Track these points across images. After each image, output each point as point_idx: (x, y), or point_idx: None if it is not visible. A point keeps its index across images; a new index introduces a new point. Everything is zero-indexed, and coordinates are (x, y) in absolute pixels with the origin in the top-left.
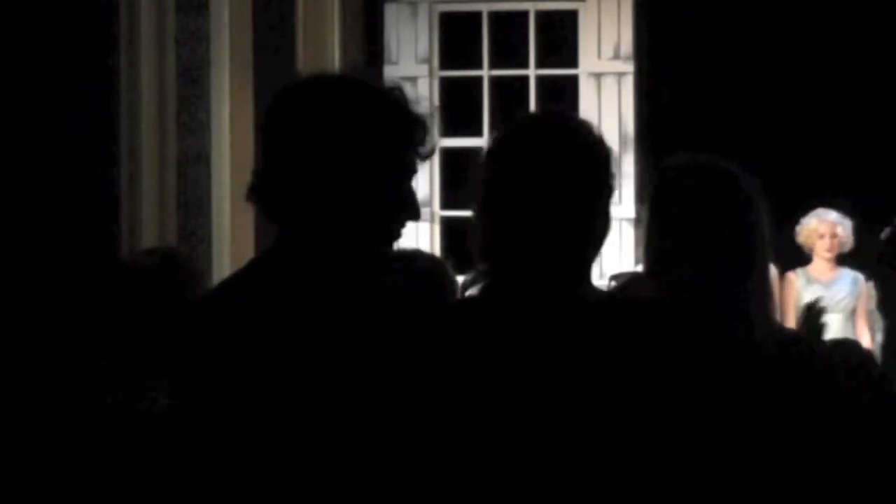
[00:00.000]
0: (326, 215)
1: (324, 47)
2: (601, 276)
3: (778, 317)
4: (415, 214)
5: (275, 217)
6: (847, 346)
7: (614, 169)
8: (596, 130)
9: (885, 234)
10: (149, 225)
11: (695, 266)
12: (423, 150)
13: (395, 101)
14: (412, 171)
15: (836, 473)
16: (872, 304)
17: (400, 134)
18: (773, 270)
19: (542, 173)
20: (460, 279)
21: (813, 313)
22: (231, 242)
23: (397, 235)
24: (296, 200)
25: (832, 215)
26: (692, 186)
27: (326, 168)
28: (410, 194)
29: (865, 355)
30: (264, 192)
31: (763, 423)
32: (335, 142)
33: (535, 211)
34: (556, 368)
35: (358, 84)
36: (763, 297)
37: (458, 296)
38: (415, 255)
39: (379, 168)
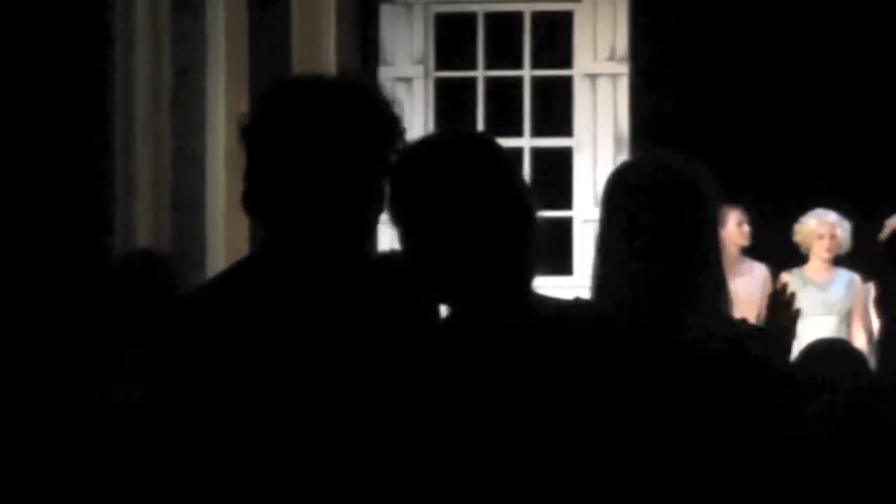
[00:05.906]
0: (310, 216)
1: (319, 48)
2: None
3: (762, 315)
4: (381, 209)
5: (261, 219)
6: (839, 347)
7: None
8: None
9: (884, 235)
10: (143, 224)
11: (644, 262)
12: (397, 147)
13: (375, 101)
14: (388, 168)
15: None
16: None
17: (380, 133)
18: (765, 270)
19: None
20: None
21: (781, 300)
22: (225, 242)
23: (372, 229)
24: (279, 202)
25: (831, 216)
26: (641, 182)
27: (310, 170)
28: (382, 190)
29: (856, 356)
30: (251, 195)
31: (700, 423)
32: (318, 145)
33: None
34: (502, 374)
35: (341, 85)
36: (716, 292)
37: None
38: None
39: (361, 168)
